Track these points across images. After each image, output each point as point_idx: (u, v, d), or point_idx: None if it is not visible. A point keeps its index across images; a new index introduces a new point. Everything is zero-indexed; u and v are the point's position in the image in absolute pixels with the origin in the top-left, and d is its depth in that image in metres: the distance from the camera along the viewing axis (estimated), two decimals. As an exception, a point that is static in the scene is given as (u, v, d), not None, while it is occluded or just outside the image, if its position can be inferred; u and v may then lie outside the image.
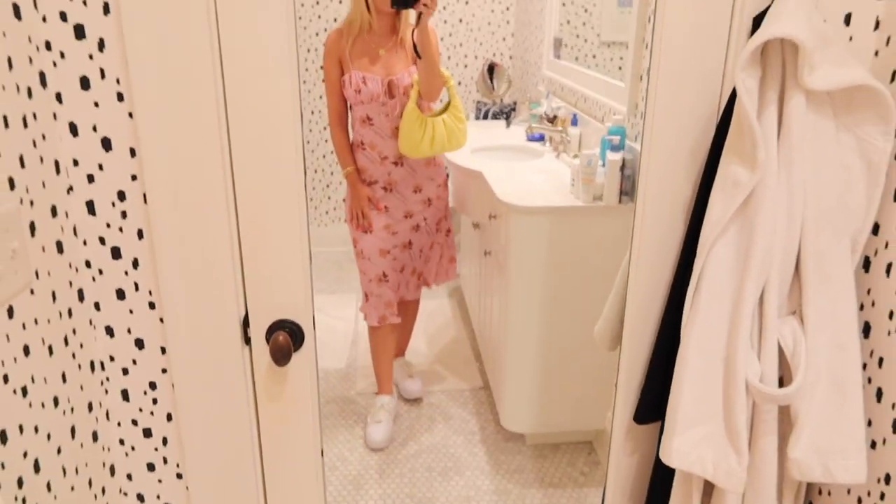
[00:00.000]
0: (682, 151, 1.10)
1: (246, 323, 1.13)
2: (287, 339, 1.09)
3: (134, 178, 1.04)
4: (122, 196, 1.05)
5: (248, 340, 1.14)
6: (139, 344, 1.13)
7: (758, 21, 0.99)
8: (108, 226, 1.06)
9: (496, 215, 2.28)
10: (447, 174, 2.51)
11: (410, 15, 2.22)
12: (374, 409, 2.55)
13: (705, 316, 0.99)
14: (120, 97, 1.01)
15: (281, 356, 1.08)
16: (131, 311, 1.12)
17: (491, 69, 3.83)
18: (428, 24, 2.11)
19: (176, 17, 0.97)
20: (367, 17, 2.18)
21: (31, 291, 0.94)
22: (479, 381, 2.87)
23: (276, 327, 1.13)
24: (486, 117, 3.62)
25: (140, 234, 1.07)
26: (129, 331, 1.12)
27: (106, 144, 1.03)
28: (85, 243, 1.07)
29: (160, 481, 1.21)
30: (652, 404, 1.12)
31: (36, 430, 0.94)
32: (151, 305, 1.12)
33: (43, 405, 0.96)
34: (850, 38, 1.02)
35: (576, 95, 2.83)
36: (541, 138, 2.94)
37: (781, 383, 0.98)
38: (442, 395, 2.78)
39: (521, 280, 2.15)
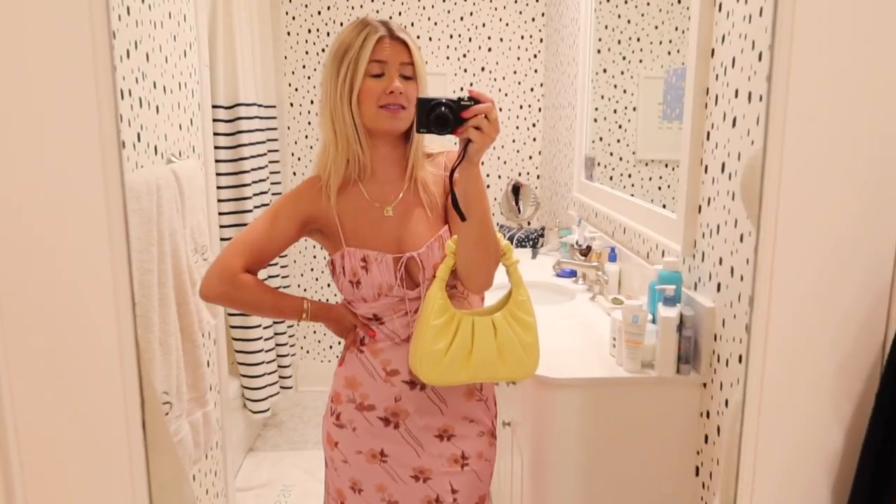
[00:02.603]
0: (825, 368, 0.62)
1: None
2: None
3: None
4: None
5: None
6: None
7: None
8: None
9: (515, 381, 1.77)
10: (496, 412, 1.52)
11: (424, 141, 1.39)
12: None
13: None
14: None
15: None
16: None
17: (516, 189, 3.45)
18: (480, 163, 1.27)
19: None
20: (358, 158, 1.34)
21: None
22: (498, 579, 2.25)
23: None
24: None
25: None
26: None
27: None
28: None
29: None
30: None
31: None
32: None
33: None
34: None
35: (613, 224, 2.38)
36: (572, 274, 2.47)
37: None
38: None
39: (548, 465, 1.62)
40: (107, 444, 0.64)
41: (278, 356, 3.14)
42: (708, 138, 1.60)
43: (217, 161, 2.51)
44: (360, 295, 1.36)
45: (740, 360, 1.42)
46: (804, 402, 0.64)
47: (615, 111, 2.61)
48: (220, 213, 2.50)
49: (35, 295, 0.61)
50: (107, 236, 0.62)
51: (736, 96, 1.46)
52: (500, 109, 3.60)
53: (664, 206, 1.93)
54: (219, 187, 2.57)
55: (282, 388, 3.16)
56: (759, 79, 1.38)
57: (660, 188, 2.14)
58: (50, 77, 0.59)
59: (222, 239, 2.59)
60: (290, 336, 3.33)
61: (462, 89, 3.58)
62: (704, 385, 1.57)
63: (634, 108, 2.48)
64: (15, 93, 0.58)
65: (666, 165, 2.14)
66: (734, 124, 1.46)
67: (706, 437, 1.57)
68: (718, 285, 1.51)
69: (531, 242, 3.16)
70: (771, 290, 0.63)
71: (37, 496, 0.63)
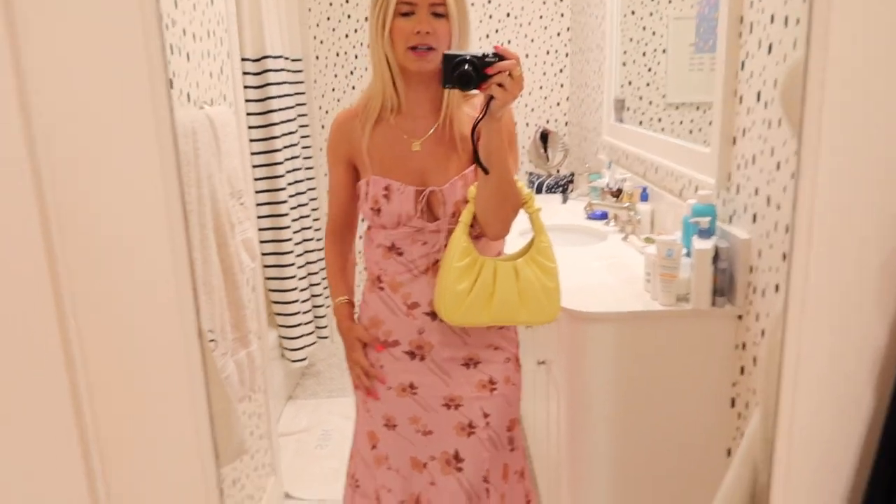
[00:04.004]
0: (868, 265, 0.62)
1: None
2: None
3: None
4: None
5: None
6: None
7: None
8: None
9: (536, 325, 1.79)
10: (518, 340, 1.56)
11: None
12: None
13: None
14: None
15: None
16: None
17: (544, 137, 3.42)
18: (505, 116, 1.30)
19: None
20: (391, 94, 1.38)
21: None
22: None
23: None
24: (539, 191, 3.18)
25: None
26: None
27: None
28: None
29: None
30: None
31: None
32: (-33, 526, 0.68)
33: None
34: None
35: (644, 165, 2.36)
36: (603, 216, 2.46)
37: None
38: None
39: (585, 402, 1.65)
40: (167, 368, 0.67)
41: (314, 307, 3.20)
42: (742, 68, 1.56)
43: (247, 114, 2.53)
44: (380, 222, 1.41)
45: (777, 290, 1.42)
46: (847, 300, 0.64)
47: (644, 54, 2.56)
48: (253, 167, 2.53)
49: (96, 233, 0.64)
50: (159, 171, 0.63)
51: (771, 22, 1.42)
52: (527, 56, 3.55)
53: (697, 146, 1.90)
54: (250, 140, 2.59)
55: (318, 338, 3.23)
56: (795, 1, 1.34)
57: (691, 131, 2.11)
58: (101, 29, 0.60)
59: (257, 192, 2.63)
60: (324, 287, 3.38)
61: (487, 37, 3.53)
62: (740, 317, 1.57)
63: (664, 51, 2.43)
64: (74, 47, 0.60)
65: (697, 108, 2.11)
66: (770, 51, 1.43)
67: (742, 369, 1.58)
68: (754, 216, 1.50)
69: (561, 189, 3.14)
70: (815, 189, 0.63)
71: (107, 424, 0.67)
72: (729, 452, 1.66)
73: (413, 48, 1.31)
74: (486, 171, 1.30)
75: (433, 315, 1.43)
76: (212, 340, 1.46)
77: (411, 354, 1.46)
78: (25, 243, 0.62)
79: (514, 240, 1.58)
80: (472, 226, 1.40)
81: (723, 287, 1.55)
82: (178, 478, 0.68)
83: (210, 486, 0.69)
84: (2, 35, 0.59)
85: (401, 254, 1.43)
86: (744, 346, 1.57)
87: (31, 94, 0.60)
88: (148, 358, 0.67)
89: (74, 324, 0.65)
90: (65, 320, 0.64)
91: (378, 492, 1.54)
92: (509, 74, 1.21)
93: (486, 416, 1.47)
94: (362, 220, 1.51)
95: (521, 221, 1.44)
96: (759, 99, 1.48)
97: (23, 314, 0.62)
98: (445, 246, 1.39)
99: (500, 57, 1.22)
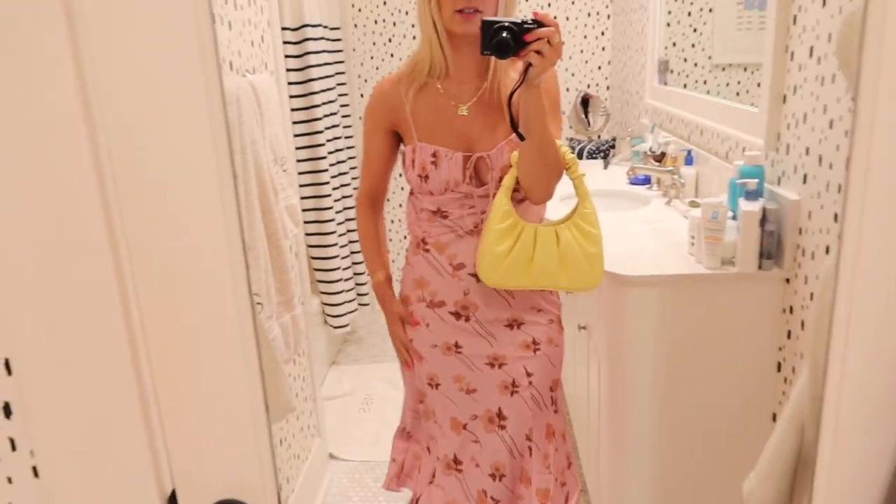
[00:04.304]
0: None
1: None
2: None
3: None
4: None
5: (175, 533, 0.72)
6: (21, 530, 0.74)
7: None
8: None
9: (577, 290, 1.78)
10: (561, 302, 1.57)
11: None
12: None
13: None
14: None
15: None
16: (10, 481, 0.73)
17: (585, 102, 3.37)
18: (543, 82, 1.26)
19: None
20: (439, 58, 1.37)
21: None
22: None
23: (215, 517, 0.70)
24: (580, 157, 3.14)
25: (7, 367, 0.69)
26: (6, 510, 0.74)
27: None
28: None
29: None
30: None
31: None
32: (35, 472, 0.73)
33: None
34: None
35: (689, 127, 2.31)
36: (646, 180, 2.42)
37: None
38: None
39: (626, 368, 1.64)
40: (220, 325, 0.69)
41: (355, 274, 3.23)
42: (794, 22, 1.51)
43: (287, 83, 2.54)
44: (428, 189, 1.41)
45: (828, 252, 1.38)
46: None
47: (689, 14, 2.49)
48: (294, 135, 2.55)
49: (151, 196, 0.65)
50: (210, 138, 0.64)
51: (826, -27, 1.36)
52: (567, 18, 3.48)
53: (744, 106, 1.85)
54: (291, 109, 2.61)
55: (360, 305, 3.27)
56: (852, -50, 1.28)
57: (738, 94, 2.05)
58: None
59: (298, 160, 2.65)
60: (364, 256, 3.41)
61: (527, 0, 3.46)
62: (787, 280, 1.54)
63: (710, 10, 2.36)
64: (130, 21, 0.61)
65: (745, 69, 2.05)
66: (824, 3, 1.38)
67: (789, 333, 1.55)
68: (805, 177, 1.46)
69: (602, 154, 3.10)
70: (871, 145, 0.61)
71: (163, 379, 0.69)
72: (774, 418, 1.64)
73: (460, 11, 1.29)
74: (522, 138, 1.29)
75: (476, 275, 1.44)
76: (258, 304, 1.50)
77: (456, 315, 1.47)
78: (85, 210, 0.64)
79: (556, 206, 1.57)
80: (515, 190, 1.40)
81: (770, 250, 1.52)
82: (231, 432, 0.71)
83: (261, 440, 0.72)
84: (59, 12, 0.60)
85: (446, 216, 1.44)
86: (791, 309, 1.54)
87: (86, 65, 0.62)
88: (203, 315, 0.69)
89: (133, 285, 0.67)
90: (124, 282, 0.66)
91: (428, 443, 1.60)
92: (548, 41, 1.19)
93: (528, 375, 1.48)
94: (401, 188, 1.52)
95: (564, 187, 1.43)
96: (811, 54, 1.43)
97: (85, 277, 0.65)
98: None
99: (538, 23, 1.19)
